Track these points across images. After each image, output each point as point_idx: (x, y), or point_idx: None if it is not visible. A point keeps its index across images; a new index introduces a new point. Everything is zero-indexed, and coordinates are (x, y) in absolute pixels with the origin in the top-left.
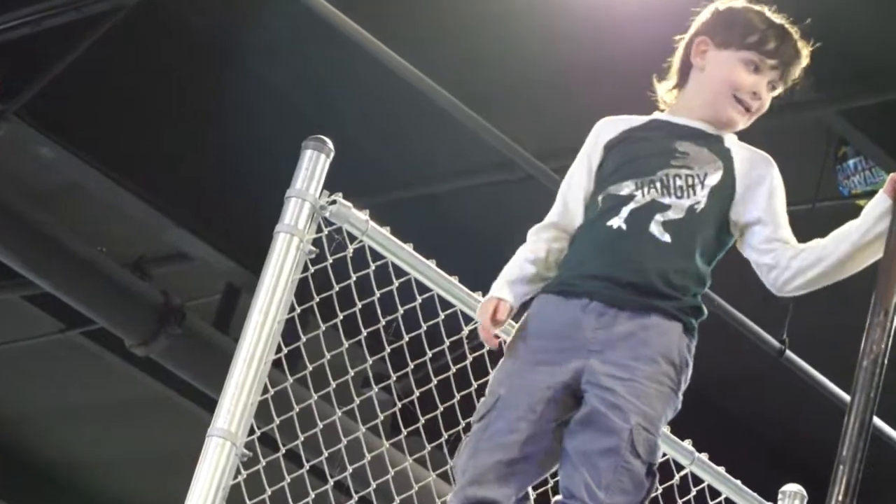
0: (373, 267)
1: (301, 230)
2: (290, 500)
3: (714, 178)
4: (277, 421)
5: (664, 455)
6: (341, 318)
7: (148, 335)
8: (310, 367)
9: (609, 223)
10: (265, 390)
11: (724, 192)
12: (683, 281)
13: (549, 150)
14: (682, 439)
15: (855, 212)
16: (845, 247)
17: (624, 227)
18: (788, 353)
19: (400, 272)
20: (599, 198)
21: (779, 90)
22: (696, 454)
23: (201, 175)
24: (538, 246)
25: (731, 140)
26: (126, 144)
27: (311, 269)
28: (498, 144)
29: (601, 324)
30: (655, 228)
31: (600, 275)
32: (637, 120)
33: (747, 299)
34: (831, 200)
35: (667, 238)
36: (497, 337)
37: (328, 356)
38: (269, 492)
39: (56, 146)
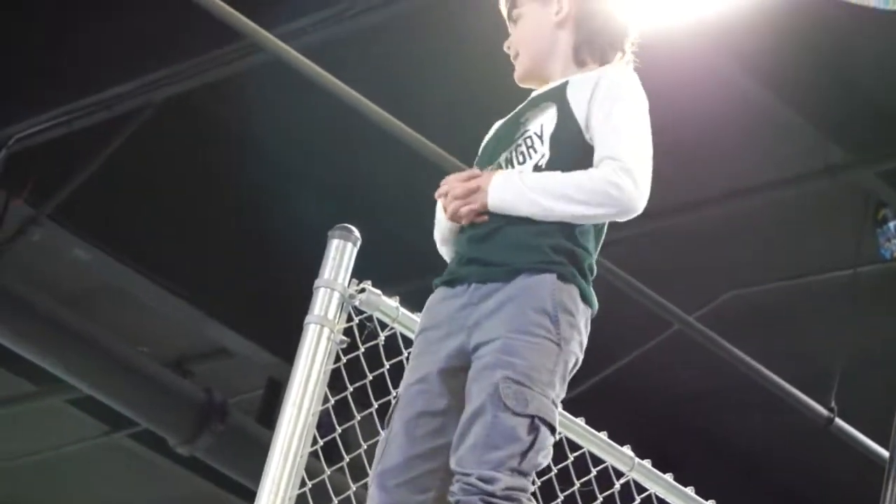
0: (406, 354)
1: (331, 320)
2: None
3: (551, 125)
4: None
5: None
6: (376, 406)
7: (192, 433)
8: (347, 458)
9: None
10: (303, 483)
11: (567, 129)
12: (547, 240)
13: None
14: None
15: None
16: None
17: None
18: (838, 420)
19: None
20: None
21: (515, 11)
22: None
23: (238, 269)
24: None
25: (574, 76)
26: (160, 242)
27: (344, 359)
28: None
29: (476, 299)
30: None
31: (472, 258)
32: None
33: (793, 368)
34: (872, 264)
35: None
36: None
37: (365, 446)
38: None
39: (91, 248)
